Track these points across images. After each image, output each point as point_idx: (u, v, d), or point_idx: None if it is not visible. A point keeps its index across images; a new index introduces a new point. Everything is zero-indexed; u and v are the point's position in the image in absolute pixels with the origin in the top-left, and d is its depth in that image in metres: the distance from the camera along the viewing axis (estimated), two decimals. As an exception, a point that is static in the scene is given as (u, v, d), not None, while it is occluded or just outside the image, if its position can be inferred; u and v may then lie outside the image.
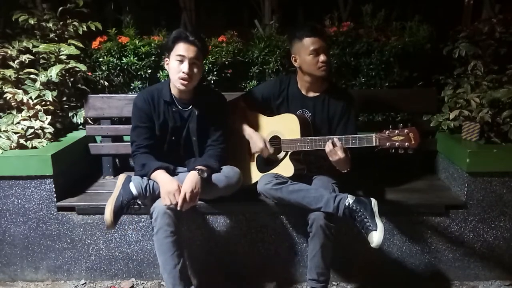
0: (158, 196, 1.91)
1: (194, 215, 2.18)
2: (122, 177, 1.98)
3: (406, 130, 1.79)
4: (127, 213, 1.93)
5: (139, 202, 1.96)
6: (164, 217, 1.85)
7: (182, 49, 1.93)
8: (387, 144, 1.81)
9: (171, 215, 1.86)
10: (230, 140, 2.22)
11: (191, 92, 2.06)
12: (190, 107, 2.07)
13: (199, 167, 1.95)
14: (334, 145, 1.88)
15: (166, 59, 2.02)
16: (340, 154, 1.87)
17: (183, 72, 1.93)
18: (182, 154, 2.13)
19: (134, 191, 1.91)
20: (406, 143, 1.78)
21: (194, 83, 2.00)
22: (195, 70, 1.96)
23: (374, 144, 1.84)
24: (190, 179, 1.89)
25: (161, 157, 2.03)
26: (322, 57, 2.01)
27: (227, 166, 2.09)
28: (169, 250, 1.87)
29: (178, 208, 1.84)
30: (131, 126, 2.09)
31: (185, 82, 1.95)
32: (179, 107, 2.07)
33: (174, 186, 1.85)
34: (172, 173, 1.98)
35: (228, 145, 2.16)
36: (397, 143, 1.79)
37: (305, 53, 2.03)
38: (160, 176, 1.91)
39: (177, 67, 1.94)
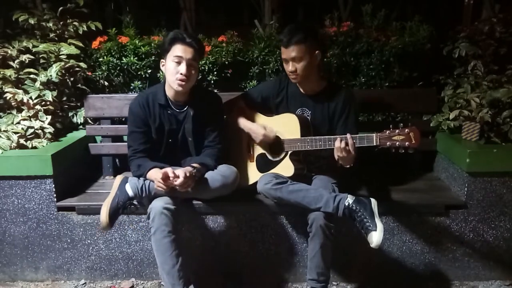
0: (154, 197, 1.91)
1: (193, 215, 2.18)
2: (119, 178, 2.00)
3: (406, 130, 1.79)
4: (123, 214, 1.95)
5: (135, 203, 1.97)
6: (161, 217, 1.85)
7: (179, 50, 1.92)
8: (388, 143, 1.81)
9: (168, 214, 1.87)
10: (229, 141, 2.22)
11: (187, 94, 2.06)
12: (186, 108, 2.07)
13: (194, 164, 1.97)
14: (346, 143, 1.86)
15: (162, 60, 2.02)
16: (352, 152, 1.85)
17: (181, 74, 1.92)
18: (179, 156, 2.13)
19: (130, 192, 1.92)
20: (407, 143, 1.78)
21: (191, 84, 2.00)
22: (193, 71, 1.97)
23: (374, 144, 1.84)
24: (182, 168, 1.91)
25: (158, 160, 2.03)
26: None
27: (223, 165, 2.09)
28: (168, 250, 1.87)
29: (176, 183, 1.83)
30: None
31: (183, 83, 1.94)
32: (175, 109, 2.07)
33: (165, 171, 1.83)
34: None
35: (224, 145, 2.15)
36: (397, 143, 1.79)
37: None
38: (154, 173, 1.91)
39: (174, 68, 1.93)
